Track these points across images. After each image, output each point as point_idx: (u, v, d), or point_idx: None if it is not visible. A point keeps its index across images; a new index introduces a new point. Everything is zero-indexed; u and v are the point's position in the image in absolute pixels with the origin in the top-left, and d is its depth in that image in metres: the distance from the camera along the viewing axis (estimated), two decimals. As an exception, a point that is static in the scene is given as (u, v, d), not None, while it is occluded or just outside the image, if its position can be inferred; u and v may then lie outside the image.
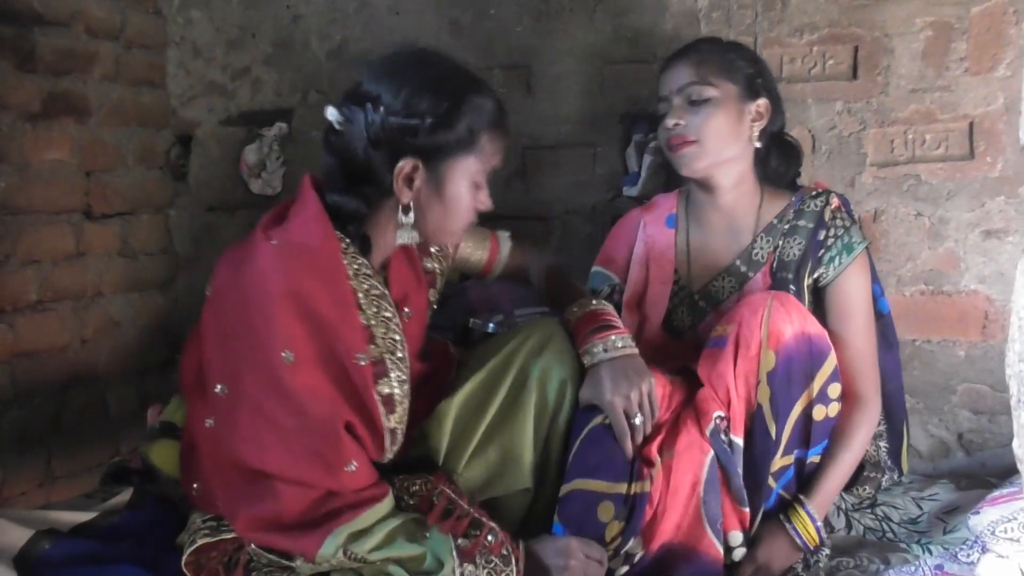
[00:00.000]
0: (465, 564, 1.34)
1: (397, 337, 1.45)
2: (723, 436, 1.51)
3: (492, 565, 1.35)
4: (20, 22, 2.10)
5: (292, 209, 1.43)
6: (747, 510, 1.49)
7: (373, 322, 1.42)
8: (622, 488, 1.48)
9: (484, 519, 1.41)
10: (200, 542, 1.40)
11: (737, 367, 1.51)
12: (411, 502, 1.45)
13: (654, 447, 1.52)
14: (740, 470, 1.50)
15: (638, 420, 1.48)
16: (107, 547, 1.47)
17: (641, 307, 1.82)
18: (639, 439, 1.49)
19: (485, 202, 1.48)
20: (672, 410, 1.57)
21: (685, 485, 1.50)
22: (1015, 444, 1.05)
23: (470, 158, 1.43)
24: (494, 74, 2.38)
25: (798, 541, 1.53)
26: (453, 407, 1.52)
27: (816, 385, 1.50)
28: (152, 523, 1.56)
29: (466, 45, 2.37)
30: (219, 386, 1.37)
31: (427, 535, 1.38)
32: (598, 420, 1.49)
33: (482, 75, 2.35)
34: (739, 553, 1.51)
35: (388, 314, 1.45)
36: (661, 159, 2.22)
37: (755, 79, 1.74)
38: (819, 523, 1.55)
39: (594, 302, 1.59)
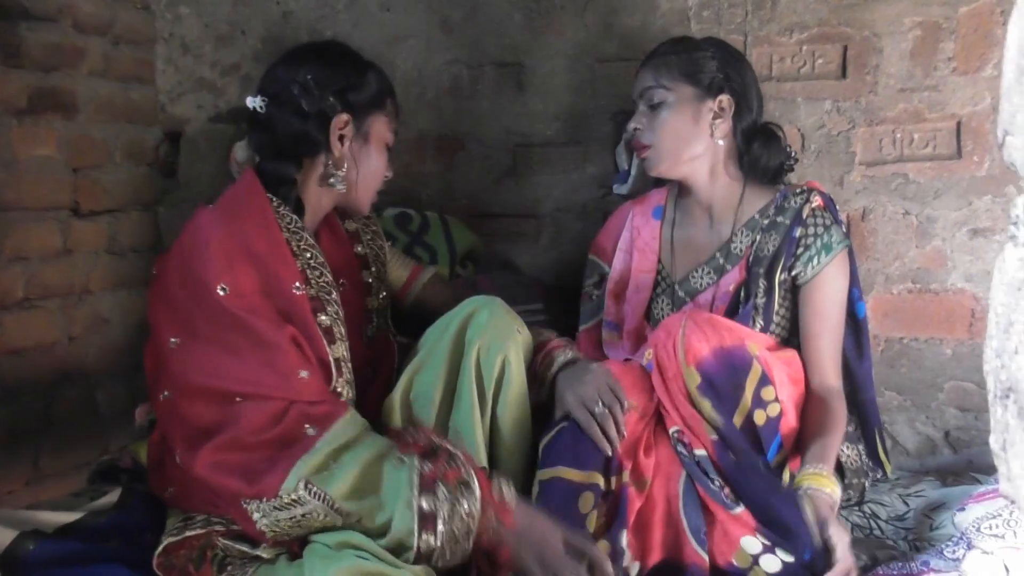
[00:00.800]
0: (423, 497, 1.30)
1: (327, 281, 1.57)
2: (684, 448, 1.52)
3: (452, 496, 1.30)
4: (7, 17, 2.09)
5: (230, 187, 1.59)
6: (741, 510, 1.47)
7: (305, 268, 1.54)
8: (599, 479, 1.49)
9: (447, 444, 1.38)
10: (166, 541, 1.42)
11: (669, 389, 1.54)
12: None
13: (640, 449, 1.53)
14: (712, 479, 1.49)
15: (598, 408, 1.52)
16: (93, 547, 1.46)
17: (623, 295, 1.86)
18: (611, 429, 1.50)
19: (389, 168, 1.69)
20: (654, 402, 1.58)
21: (662, 499, 1.51)
22: (991, 440, 1.06)
23: (383, 117, 1.65)
24: (485, 71, 2.38)
25: (824, 495, 1.48)
26: (397, 402, 1.58)
27: (748, 393, 1.50)
28: (139, 523, 1.55)
29: (457, 42, 2.37)
30: (172, 340, 1.43)
31: (399, 458, 1.35)
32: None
33: (473, 72, 2.39)
34: (771, 563, 1.43)
35: (318, 263, 1.57)
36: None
37: (716, 75, 1.76)
38: (823, 466, 1.52)
39: (543, 334, 1.70)
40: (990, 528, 1.45)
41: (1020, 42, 0.99)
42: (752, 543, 1.46)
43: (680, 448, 1.52)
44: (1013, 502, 1.05)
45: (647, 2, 2.23)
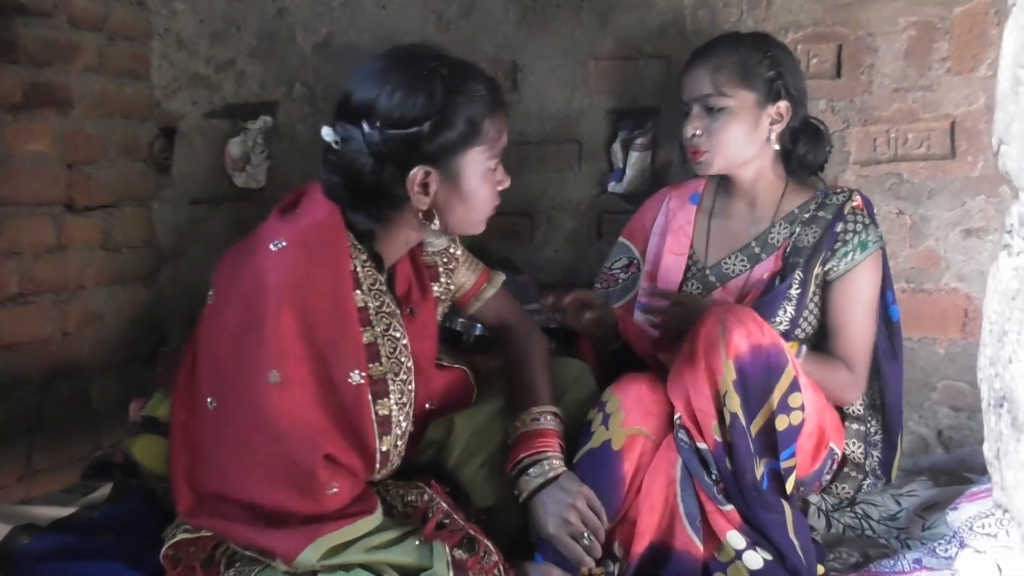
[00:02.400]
0: (458, 573, 1.32)
1: (403, 358, 1.44)
2: (684, 437, 1.51)
3: None
4: (2, 12, 2.09)
5: (303, 203, 1.40)
6: (730, 508, 1.48)
7: (380, 340, 1.41)
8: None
9: (479, 536, 1.39)
10: (179, 536, 1.39)
11: (698, 380, 1.49)
12: (405, 511, 1.44)
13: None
14: (707, 473, 1.49)
15: (586, 540, 1.45)
16: (87, 541, 1.47)
17: (655, 278, 1.85)
18: (597, 553, 1.46)
19: (503, 181, 1.46)
20: (665, 427, 1.56)
21: (660, 485, 1.50)
22: (985, 447, 1.06)
23: (477, 148, 1.39)
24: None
25: None
26: (470, 424, 1.56)
27: (776, 397, 1.48)
28: (133, 517, 1.56)
29: (452, 40, 2.37)
30: (210, 399, 1.34)
31: (417, 542, 1.36)
32: None
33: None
34: (753, 559, 1.45)
35: (397, 334, 1.44)
36: (648, 156, 2.24)
37: (775, 82, 1.74)
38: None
39: (541, 419, 1.53)
40: (983, 527, 1.45)
41: (1015, 51, 0.99)
42: (737, 538, 1.47)
43: (681, 435, 1.51)
44: (1006, 511, 1.05)
45: (642, 1, 2.23)
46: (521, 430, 1.53)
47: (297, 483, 1.30)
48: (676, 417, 1.53)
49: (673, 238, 1.85)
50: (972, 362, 2.06)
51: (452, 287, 1.64)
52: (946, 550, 1.54)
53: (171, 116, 2.56)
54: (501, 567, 1.37)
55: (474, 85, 1.39)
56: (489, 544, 1.39)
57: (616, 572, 1.48)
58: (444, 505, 1.43)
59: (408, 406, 1.44)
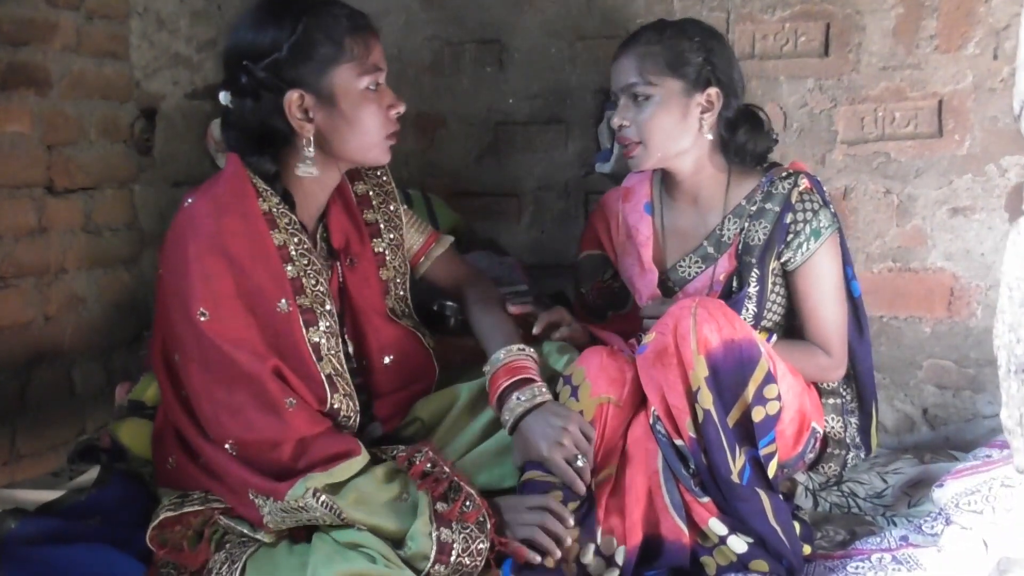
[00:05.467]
0: (442, 528, 1.34)
1: (323, 289, 1.49)
2: (662, 429, 1.50)
3: (468, 531, 1.35)
4: (-24, -10, 2.04)
5: (215, 174, 1.49)
6: (707, 500, 1.48)
7: (302, 273, 1.46)
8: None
9: (463, 484, 1.41)
10: (163, 515, 1.41)
11: (670, 376, 1.48)
12: (390, 457, 1.47)
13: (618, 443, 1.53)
14: (685, 466, 1.49)
15: (580, 462, 1.47)
16: (75, 525, 1.46)
17: (638, 295, 1.83)
18: (588, 478, 1.47)
19: (395, 105, 1.49)
20: (633, 394, 1.56)
21: (642, 476, 1.50)
22: (1003, 414, 1.06)
23: (346, 65, 1.43)
24: (465, 48, 2.35)
25: None
26: (461, 396, 1.58)
27: (750, 390, 1.48)
28: (120, 501, 1.55)
29: (438, 18, 2.35)
30: (176, 356, 1.43)
31: (406, 494, 1.38)
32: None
33: (455, 50, 2.37)
34: (737, 543, 1.46)
35: (316, 267, 1.49)
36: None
37: (703, 68, 1.69)
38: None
39: (516, 350, 1.56)
40: (969, 504, 1.46)
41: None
42: (718, 525, 1.47)
43: (659, 427, 1.51)
44: None
45: (629, -21, 2.21)
46: (500, 363, 1.54)
47: (257, 402, 1.36)
48: (652, 410, 1.52)
49: (646, 252, 1.80)
50: (958, 340, 2.08)
51: (400, 245, 1.66)
52: (932, 527, 1.56)
53: (152, 97, 2.52)
54: (485, 513, 1.38)
55: (328, 9, 1.45)
56: (472, 491, 1.40)
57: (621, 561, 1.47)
58: (431, 453, 1.45)
59: (335, 336, 1.49)
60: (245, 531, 1.40)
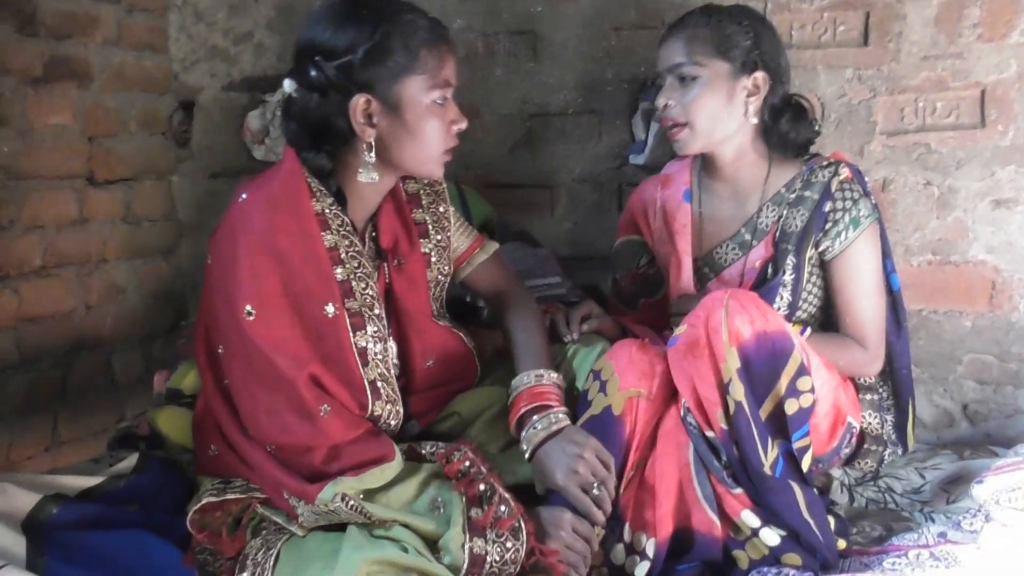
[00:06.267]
0: (475, 539, 1.32)
1: (373, 293, 1.47)
2: (693, 421, 1.49)
3: (502, 539, 1.34)
4: (21, -15, 2.08)
5: (271, 168, 1.48)
6: (740, 491, 1.47)
7: (352, 276, 1.45)
8: None
9: (499, 487, 1.39)
10: (205, 500, 1.42)
11: (702, 368, 1.47)
12: (432, 453, 1.46)
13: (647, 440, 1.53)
14: (715, 458, 1.48)
15: (597, 490, 1.44)
16: (114, 511, 1.48)
17: (675, 284, 1.82)
18: (608, 507, 1.45)
19: (459, 119, 1.48)
20: (665, 387, 1.55)
21: (672, 468, 1.49)
22: None
23: (417, 77, 1.42)
24: (499, 39, 2.35)
25: None
26: (497, 396, 1.57)
27: (783, 383, 1.46)
28: (158, 488, 1.57)
29: (471, 10, 2.34)
30: (219, 347, 1.43)
31: (440, 503, 1.37)
32: None
33: (488, 41, 2.36)
34: (770, 536, 1.45)
35: (366, 271, 1.47)
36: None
37: (751, 52, 1.68)
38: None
39: (545, 376, 1.54)
40: (1010, 501, 1.44)
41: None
42: (751, 517, 1.46)
43: (690, 418, 1.50)
44: None
45: (665, -31, 2.20)
46: (523, 387, 1.53)
47: (293, 405, 1.36)
48: (683, 402, 1.51)
49: (682, 241, 1.79)
50: (999, 335, 2.04)
51: (446, 247, 1.65)
52: (971, 524, 1.53)
53: (190, 89, 2.56)
54: (521, 519, 1.36)
55: (409, 17, 1.42)
56: (507, 496, 1.38)
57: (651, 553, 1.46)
58: (469, 453, 1.43)
59: (384, 340, 1.48)
60: (280, 521, 1.40)
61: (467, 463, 1.42)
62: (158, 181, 2.54)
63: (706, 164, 1.80)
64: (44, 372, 2.18)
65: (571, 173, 2.34)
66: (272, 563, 1.34)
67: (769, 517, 1.46)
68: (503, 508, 1.36)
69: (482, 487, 1.38)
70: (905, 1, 2.04)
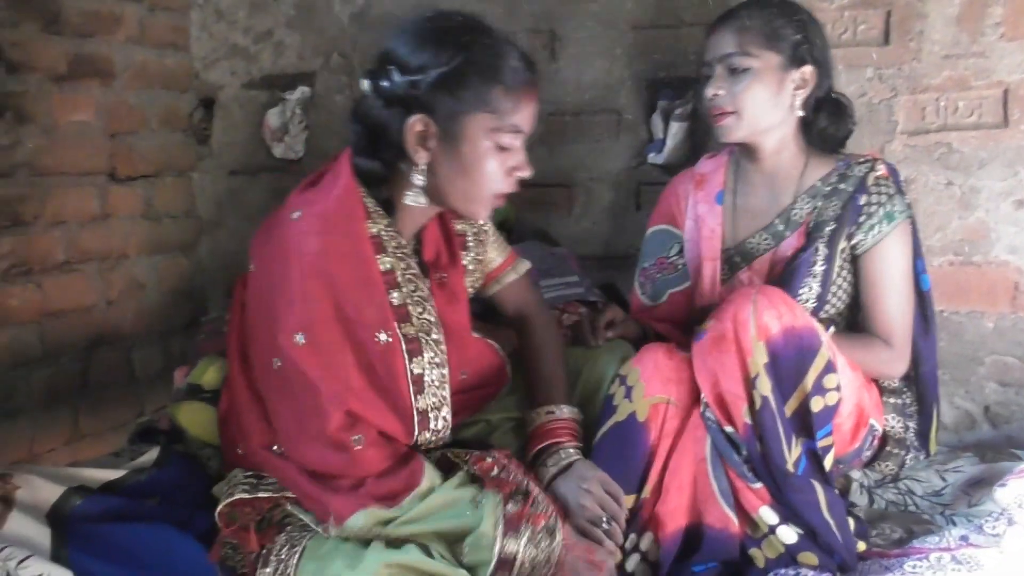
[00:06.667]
0: (508, 538, 1.31)
1: (432, 318, 1.44)
2: (711, 416, 1.48)
3: (536, 539, 1.33)
4: (46, -17, 2.10)
5: (326, 178, 1.43)
6: (760, 486, 1.46)
7: (408, 300, 1.42)
8: (627, 501, 1.48)
9: (532, 488, 1.38)
10: (237, 495, 1.41)
11: (727, 362, 1.46)
12: (463, 461, 1.44)
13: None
14: (736, 453, 1.47)
15: (606, 524, 1.43)
16: (136, 504, 1.49)
17: (694, 280, 1.83)
18: (619, 538, 1.44)
19: (522, 167, 1.41)
20: (692, 394, 1.54)
21: (688, 463, 1.48)
22: None
23: (485, 115, 1.35)
24: (518, 38, 2.34)
25: None
26: (523, 405, 1.58)
27: (810, 380, 1.45)
28: (178, 482, 1.58)
29: (490, 8, 2.34)
30: (257, 359, 1.41)
31: (476, 500, 1.35)
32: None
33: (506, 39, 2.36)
34: (787, 533, 1.44)
35: (423, 294, 1.44)
36: (688, 126, 2.20)
37: (801, 46, 1.70)
38: None
39: (557, 411, 1.53)
40: (1032, 504, 1.43)
41: None
42: (769, 514, 1.45)
43: (708, 413, 1.49)
44: None
45: (685, -33, 2.19)
46: (536, 423, 1.53)
47: (325, 437, 1.34)
48: (703, 397, 1.50)
49: (708, 245, 1.80)
50: (1022, 336, 2.02)
51: (481, 260, 1.63)
52: (993, 527, 1.51)
53: (210, 87, 2.58)
54: (556, 516, 1.35)
55: (494, 53, 1.36)
56: (543, 495, 1.37)
57: (649, 553, 1.46)
58: (504, 459, 1.42)
59: (442, 366, 1.44)
60: (308, 521, 1.39)
61: (501, 466, 1.40)
62: (179, 178, 2.56)
63: (746, 154, 1.80)
64: (65, 366, 2.20)
65: (589, 172, 2.34)
66: (296, 559, 1.34)
67: (787, 515, 1.45)
68: (538, 505, 1.35)
69: (514, 487, 1.37)
70: (927, 0, 2.02)
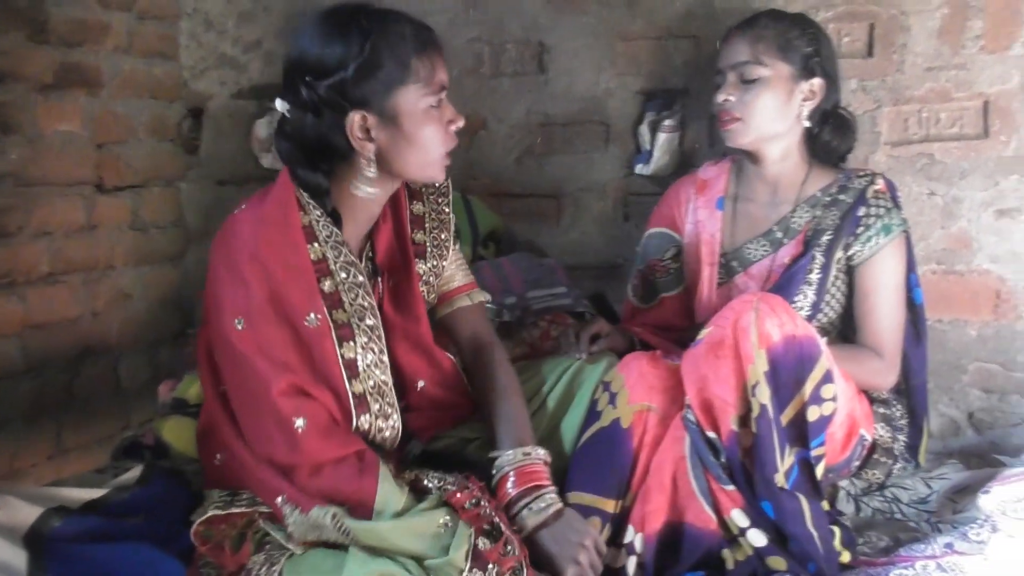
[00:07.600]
0: (475, 570, 1.30)
1: (365, 304, 1.47)
2: (692, 418, 1.49)
3: None
4: (33, -8, 2.10)
5: (272, 184, 1.48)
6: (732, 488, 1.46)
7: (341, 287, 1.45)
8: (609, 505, 1.48)
9: (504, 527, 1.37)
10: (210, 513, 1.41)
11: (721, 368, 1.46)
12: (440, 489, 1.42)
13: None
14: (712, 456, 1.47)
15: None
16: (117, 524, 1.45)
17: (692, 284, 1.85)
18: None
19: (456, 119, 1.47)
20: (675, 403, 1.54)
21: (668, 462, 1.48)
22: None
23: (411, 86, 1.40)
24: (507, 50, 2.36)
25: None
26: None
27: (808, 388, 1.46)
28: (162, 499, 1.55)
29: (479, 19, 2.36)
30: (217, 355, 1.45)
31: (449, 522, 1.34)
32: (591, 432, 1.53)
33: (495, 51, 2.38)
34: (757, 537, 1.45)
35: (357, 281, 1.47)
36: (676, 137, 2.22)
37: (812, 58, 1.74)
38: None
39: (532, 452, 1.49)
40: (1016, 511, 1.44)
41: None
42: (741, 517, 1.46)
43: (689, 415, 1.49)
44: None
45: (671, -21, 2.21)
46: (514, 463, 1.47)
47: (271, 415, 1.37)
48: (687, 400, 1.51)
49: (707, 250, 1.83)
50: (1004, 344, 2.05)
51: (438, 274, 1.63)
52: (978, 534, 1.52)
53: (199, 97, 2.57)
54: (523, 562, 1.33)
55: (395, 27, 1.41)
56: (513, 538, 1.36)
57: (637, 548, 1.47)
58: (478, 492, 1.41)
59: (377, 352, 1.47)
60: (281, 539, 1.38)
61: (475, 498, 1.39)
62: (166, 188, 2.55)
63: (750, 160, 1.83)
64: (50, 379, 2.18)
65: (578, 183, 2.35)
66: None
67: (757, 519, 1.45)
68: (509, 547, 1.34)
69: (488, 525, 1.36)
70: (909, 13, 2.05)
